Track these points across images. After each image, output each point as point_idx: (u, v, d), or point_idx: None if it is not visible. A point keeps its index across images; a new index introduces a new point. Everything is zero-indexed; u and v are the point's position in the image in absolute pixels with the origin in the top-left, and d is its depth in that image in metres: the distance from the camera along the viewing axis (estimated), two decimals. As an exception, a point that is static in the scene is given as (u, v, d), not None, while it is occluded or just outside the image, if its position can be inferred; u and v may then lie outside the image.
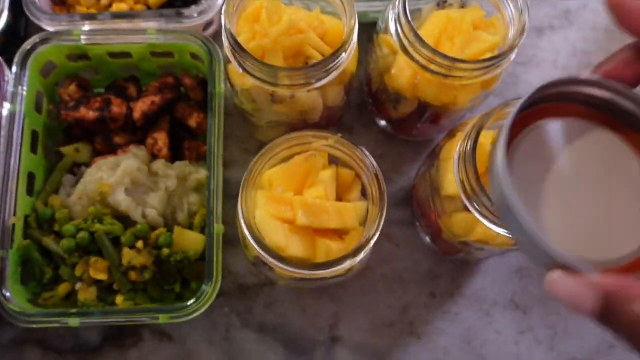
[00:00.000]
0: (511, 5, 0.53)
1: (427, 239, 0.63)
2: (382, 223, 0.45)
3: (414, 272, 0.63)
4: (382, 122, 0.67)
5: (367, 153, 0.48)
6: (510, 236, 0.31)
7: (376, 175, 0.47)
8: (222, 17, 0.49)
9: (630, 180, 0.33)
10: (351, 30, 0.49)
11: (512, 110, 0.31)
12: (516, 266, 0.64)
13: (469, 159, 0.47)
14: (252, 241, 0.44)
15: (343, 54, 0.49)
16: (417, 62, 0.51)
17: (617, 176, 0.33)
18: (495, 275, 0.64)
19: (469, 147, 0.47)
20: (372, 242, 0.45)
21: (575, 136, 0.34)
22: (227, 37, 0.49)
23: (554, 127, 0.34)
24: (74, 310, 0.53)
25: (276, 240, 0.46)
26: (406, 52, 0.52)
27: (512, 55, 0.51)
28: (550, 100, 0.34)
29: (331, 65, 0.49)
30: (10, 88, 0.60)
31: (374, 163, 0.47)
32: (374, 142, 0.68)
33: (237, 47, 0.48)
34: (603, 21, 0.75)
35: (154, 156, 0.63)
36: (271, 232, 0.47)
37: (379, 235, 0.46)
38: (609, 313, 0.29)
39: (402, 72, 0.55)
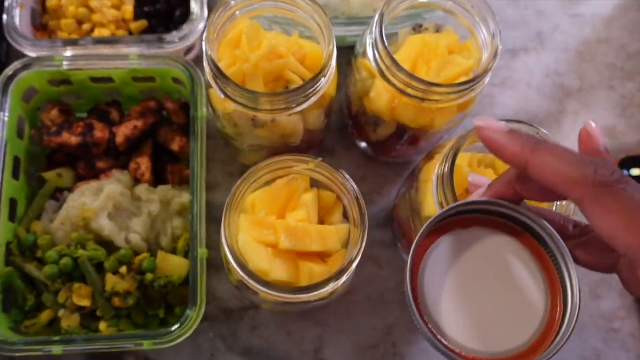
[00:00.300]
0: (484, 29, 0.54)
1: (409, 259, 0.64)
2: (363, 246, 0.46)
3: (396, 292, 0.64)
4: (363, 144, 0.68)
5: (348, 177, 0.49)
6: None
7: (357, 199, 0.48)
8: (203, 43, 0.50)
9: (521, 279, 0.38)
10: (330, 56, 0.50)
11: (418, 233, 0.37)
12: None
13: (447, 181, 0.48)
14: (235, 266, 0.45)
15: (322, 79, 0.50)
16: (394, 86, 0.53)
17: (510, 276, 0.38)
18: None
19: (446, 169, 0.48)
20: (354, 264, 0.45)
21: (478, 241, 0.39)
22: (209, 63, 0.50)
23: (461, 236, 0.39)
24: (57, 338, 0.53)
25: (259, 264, 0.47)
26: (383, 77, 0.53)
27: (487, 79, 0.53)
28: (461, 214, 0.39)
29: (311, 90, 0.50)
30: (-9, 115, 0.60)
31: (355, 186, 0.48)
32: (355, 164, 0.69)
33: (218, 72, 0.49)
34: (574, 43, 0.77)
35: (136, 180, 0.63)
36: (254, 256, 0.47)
37: (362, 256, 0.46)
38: None
39: (380, 96, 0.56)
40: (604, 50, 0.77)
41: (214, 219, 0.62)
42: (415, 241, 0.37)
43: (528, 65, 0.76)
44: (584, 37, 0.78)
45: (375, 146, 0.66)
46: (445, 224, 0.39)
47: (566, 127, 0.73)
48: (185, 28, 0.64)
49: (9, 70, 0.61)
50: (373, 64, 0.54)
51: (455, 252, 0.38)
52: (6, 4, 0.65)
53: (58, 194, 0.63)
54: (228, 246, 0.46)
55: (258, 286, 0.45)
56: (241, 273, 0.45)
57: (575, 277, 0.36)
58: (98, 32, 0.68)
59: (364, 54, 0.56)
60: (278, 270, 0.48)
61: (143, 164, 0.63)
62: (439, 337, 0.36)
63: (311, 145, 0.63)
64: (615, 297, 0.66)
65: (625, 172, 0.70)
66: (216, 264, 0.62)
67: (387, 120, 0.57)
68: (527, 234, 0.39)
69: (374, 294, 0.64)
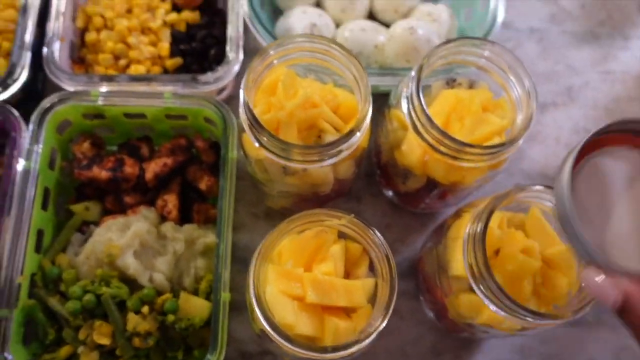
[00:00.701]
0: (518, 87, 0.54)
1: (432, 314, 0.63)
2: (390, 311, 0.45)
3: (417, 346, 0.63)
4: (390, 193, 0.68)
5: (379, 235, 0.48)
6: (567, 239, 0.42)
7: (387, 258, 0.48)
8: (241, 92, 0.51)
9: None
10: (365, 115, 0.50)
11: (582, 139, 0.40)
12: (519, 345, 0.64)
13: (479, 242, 0.47)
14: (262, 319, 0.45)
15: (357, 133, 0.50)
16: (427, 142, 0.53)
17: None
18: (499, 353, 0.64)
19: (479, 230, 0.48)
20: (381, 328, 0.45)
21: (631, 164, 0.42)
22: (246, 112, 0.50)
23: (613, 156, 0.42)
24: (74, 375, 0.53)
25: (285, 318, 0.46)
26: (417, 132, 0.53)
27: (520, 141, 0.52)
28: (615, 132, 0.41)
29: (344, 144, 0.50)
30: (26, 145, 0.61)
31: (385, 245, 0.48)
32: (381, 212, 0.69)
33: (255, 122, 0.50)
34: (604, 100, 0.77)
35: (163, 218, 0.63)
36: (280, 309, 0.47)
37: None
38: (625, 310, 0.39)
39: (412, 150, 0.56)
40: (634, 108, 0.77)
41: (237, 259, 0.61)
42: (578, 147, 0.40)
43: (557, 121, 0.76)
44: (615, 95, 0.78)
45: (402, 196, 0.66)
46: (600, 139, 0.41)
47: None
48: (221, 70, 0.65)
49: (46, 103, 0.62)
50: (407, 117, 0.54)
51: (610, 171, 0.42)
52: (47, 37, 0.66)
53: (84, 227, 0.64)
54: (256, 297, 0.46)
55: (282, 341, 0.45)
56: (267, 327, 0.45)
57: None
58: (134, 68, 0.69)
59: (398, 105, 0.56)
60: (304, 325, 0.47)
61: (171, 201, 0.63)
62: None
63: (339, 193, 0.63)
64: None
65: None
66: (237, 305, 0.61)
67: (417, 174, 0.57)
68: None
69: (394, 346, 0.63)
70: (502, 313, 0.47)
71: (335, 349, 0.44)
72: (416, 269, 0.65)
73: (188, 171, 0.66)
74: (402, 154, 0.57)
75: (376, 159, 0.66)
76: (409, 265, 0.67)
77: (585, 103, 0.77)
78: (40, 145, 0.61)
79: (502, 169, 0.57)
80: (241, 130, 0.57)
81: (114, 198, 0.64)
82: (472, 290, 0.49)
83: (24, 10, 0.67)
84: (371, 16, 0.76)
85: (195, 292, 0.59)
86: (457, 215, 0.55)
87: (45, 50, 0.65)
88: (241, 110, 0.52)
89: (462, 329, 0.58)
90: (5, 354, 0.53)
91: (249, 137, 0.53)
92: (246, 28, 0.67)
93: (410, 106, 0.53)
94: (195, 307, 0.57)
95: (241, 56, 0.66)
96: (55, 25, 0.67)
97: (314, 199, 0.61)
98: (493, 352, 0.64)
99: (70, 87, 0.64)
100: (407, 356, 0.63)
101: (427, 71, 0.54)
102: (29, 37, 0.66)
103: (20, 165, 0.60)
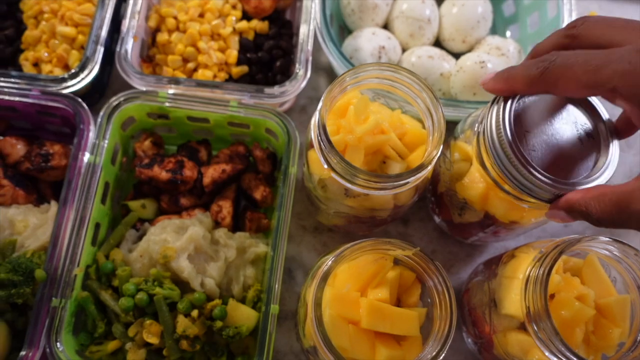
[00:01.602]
0: None
1: (474, 346, 0.63)
2: (448, 345, 0.46)
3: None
4: (440, 220, 0.68)
5: (442, 269, 0.49)
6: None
7: (448, 292, 0.48)
8: (317, 114, 0.51)
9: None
10: (437, 152, 0.50)
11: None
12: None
13: (541, 286, 0.47)
14: (321, 341, 0.45)
15: (427, 168, 0.51)
16: (492, 178, 0.53)
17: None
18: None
19: (542, 272, 0.48)
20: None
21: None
22: (319, 134, 0.51)
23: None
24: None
25: (341, 342, 0.47)
26: (483, 166, 0.53)
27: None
28: None
29: (412, 178, 0.50)
30: (93, 139, 0.62)
31: (447, 279, 0.48)
32: (428, 237, 0.69)
33: (328, 144, 0.50)
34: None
35: (216, 223, 0.64)
36: (337, 332, 0.47)
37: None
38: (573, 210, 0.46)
39: (475, 184, 0.56)
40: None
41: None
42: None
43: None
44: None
45: (454, 226, 0.66)
46: None
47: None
48: (288, 84, 0.65)
49: (114, 101, 0.63)
50: (475, 149, 0.54)
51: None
52: (122, 34, 0.67)
53: (138, 224, 0.65)
54: (317, 319, 0.46)
55: (335, 361, 0.45)
56: (324, 347, 0.45)
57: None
58: (202, 72, 0.70)
59: (464, 137, 0.56)
60: (357, 350, 0.48)
61: (225, 208, 0.64)
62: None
63: (395, 218, 0.64)
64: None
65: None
66: (279, 315, 0.62)
67: (476, 208, 0.57)
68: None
69: (431, 375, 0.63)
70: (553, 357, 0.47)
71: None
72: (461, 299, 0.65)
73: (243, 179, 0.67)
74: (463, 187, 0.57)
75: (432, 187, 0.66)
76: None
77: (641, 150, 0.77)
78: (106, 141, 0.62)
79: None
80: (306, 146, 0.58)
81: (170, 198, 0.65)
82: (522, 330, 0.49)
83: (101, 5, 0.68)
84: (437, 43, 0.77)
85: (242, 300, 0.60)
86: (512, 255, 0.55)
87: (118, 47, 0.67)
88: (313, 130, 0.53)
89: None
90: (57, 344, 0.54)
91: (315, 154, 0.53)
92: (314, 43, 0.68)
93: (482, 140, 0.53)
94: (243, 315, 0.58)
95: (309, 73, 0.66)
96: (130, 23, 0.68)
97: (369, 222, 0.62)
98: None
99: (138, 86, 0.66)
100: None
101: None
102: (104, 32, 0.67)
103: (86, 158, 0.61)
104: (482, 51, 0.72)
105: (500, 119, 0.49)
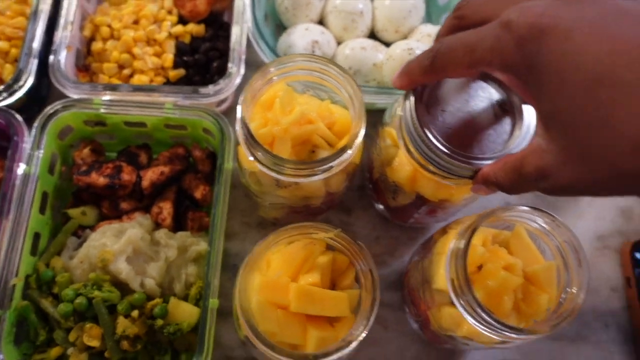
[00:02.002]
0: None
1: (416, 325, 0.64)
2: (371, 322, 0.46)
3: (400, 357, 0.64)
4: (380, 207, 0.69)
5: (365, 249, 0.50)
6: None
7: (370, 271, 0.49)
8: (239, 107, 0.52)
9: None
10: (357, 134, 0.51)
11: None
12: (501, 358, 0.65)
13: (461, 258, 0.49)
14: (245, 326, 0.46)
15: (349, 151, 0.52)
16: (416, 160, 0.54)
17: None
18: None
19: (461, 246, 0.49)
20: (361, 338, 0.46)
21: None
22: (242, 127, 0.52)
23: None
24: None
25: (269, 327, 0.48)
26: (407, 150, 0.54)
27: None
28: None
29: (335, 161, 0.51)
30: (27, 150, 0.62)
31: (370, 258, 0.49)
32: (370, 224, 0.70)
33: (250, 137, 0.51)
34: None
35: (157, 225, 0.65)
36: (265, 318, 0.48)
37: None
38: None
39: (403, 167, 0.57)
40: None
41: (228, 267, 0.63)
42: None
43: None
44: None
45: (392, 211, 0.67)
46: None
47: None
48: (222, 83, 0.66)
49: (49, 110, 0.64)
50: (398, 136, 0.55)
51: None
52: (55, 45, 0.68)
53: (80, 231, 0.65)
54: (241, 306, 0.47)
55: (265, 348, 0.46)
56: (250, 333, 0.46)
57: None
58: (138, 78, 0.71)
59: (392, 124, 0.57)
60: (287, 334, 0.48)
61: (166, 209, 0.65)
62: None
63: (331, 206, 0.65)
64: None
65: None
66: (225, 311, 0.62)
67: (407, 190, 0.59)
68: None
69: (377, 356, 0.64)
70: (480, 327, 0.48)
71: (317, 356, 0.45)
72: (402, 281, 0.66)
73: (184, 180, 0.67)
74: (392, 170, 0.59)
75: (368, 174, 0.68)
76: (396, 278, 0.68)
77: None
78: (41, 151, 0.63)
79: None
80: (237, 144, 0.59)
81: (110, 204, 0.65)
82: (453, 304, 0.50)
83: (33, 18, 0.69)
84: (372, 35, 0.78)
85: (185, 298, 0.60)
86: (444, 231, 0.56)
87: (51, 58, 0.67)
88: (238, 125, 0.54)
89: (444, 341, 0.59)
90: (-2, 354, 0.54)
91: (243, 150, 0.54)
92: (249, 42, 0.69)
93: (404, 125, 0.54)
94: (184, 312, 0.58)
95: (242, 70, 0.67)
96: (63, 34, 0.69)
97: (305, 211, 0.62)
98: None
99: (74, 95, 0.66)
100: (391, 368, 0.63)
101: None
102: (36, 44, 0.68)
103: (20, 169, 0.61)
104: (414, 39, 0.74)
105: (412, 106, 0.50)
